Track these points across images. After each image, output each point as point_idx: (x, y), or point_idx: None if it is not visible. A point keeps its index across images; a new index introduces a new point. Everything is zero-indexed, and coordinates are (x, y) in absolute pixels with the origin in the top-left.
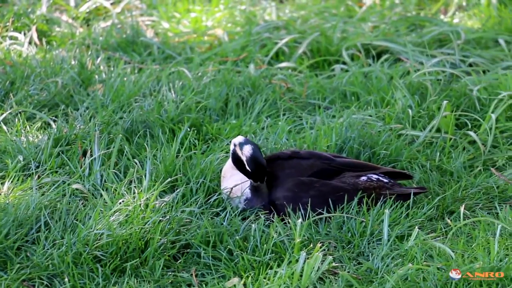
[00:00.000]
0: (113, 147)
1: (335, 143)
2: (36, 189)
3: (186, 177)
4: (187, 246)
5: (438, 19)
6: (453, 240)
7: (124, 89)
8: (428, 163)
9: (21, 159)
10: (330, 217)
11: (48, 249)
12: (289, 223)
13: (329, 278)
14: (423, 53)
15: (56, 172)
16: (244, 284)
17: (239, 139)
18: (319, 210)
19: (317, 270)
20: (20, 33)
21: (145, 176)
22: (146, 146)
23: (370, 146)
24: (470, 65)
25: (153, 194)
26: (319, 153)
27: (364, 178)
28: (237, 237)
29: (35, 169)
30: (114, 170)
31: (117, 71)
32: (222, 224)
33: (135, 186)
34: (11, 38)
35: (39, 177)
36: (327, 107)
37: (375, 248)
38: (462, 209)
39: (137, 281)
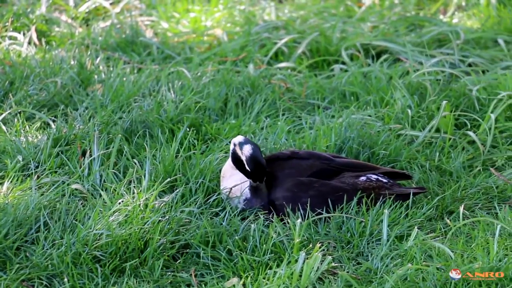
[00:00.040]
0: (113, 147)
1: (334, 143)
2: (35, 189)
3: (186, 177)
4: (186, 246)
5: (438, 19)
6: (453, 240)
7: (124, 89)
8: (428, 163)
9: (21, 159)
10: (329, 217)
11: (47, 249)
12: (288, 223)
13: (328, 278)
14: (422, 53)
15: (56, 172)
16: (244, 284)
17: (239, 138)
18: (319, 210)
19: (317, 270)
20: (19, 33)
21: (145, 176)
22: (145, 146)
23: (369, 146)
24: (470, 65)
25: (152, 194)
26: (318, 153)
27: (363, 178)
28: (236, 237)
29: (34, 169)
30: (113, 170)
31: (117, 71)
32: (222, 224)
33: (134, 186)
34: (10, 38)
35: (38, 177)
36: (326, 107)
37: (374, 248)
38: (461, 209)
39: (136, 281)
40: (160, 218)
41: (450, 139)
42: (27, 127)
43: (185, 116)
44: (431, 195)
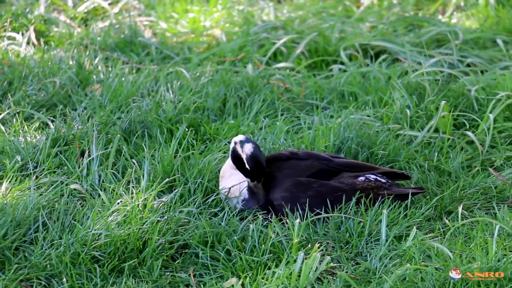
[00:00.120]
0: (111, 147)
1: (333, 143)
2: (34, 189)
3: (184, 177)
4: (185, 246)
5: (436, 19)
6: (451, 240)
7: (122, 89)
8: (426, 163)
9: (19, 159)
10: (328, 218)
11: (46, 249)
12: (287, 223)
13: (327, 278)
14: (421, 53)
15: (54, 172)
16: (242, 284)
17: (240, 137)
18: (317, 210)
19: (315, 270)
20: (18, 33)
21: (143, 176)
22: (144, 146)
23: (368, 146)
24: (468, 65)
25: (151, 194)
26: (317, 153)
27: (362, 178)
28: (235, 237)
29: (33, 169)
30: (112, 170)
31: (115, 71)
32: (220, 224)
33: (133, 186)
34: (9, 38)
35: (37, 177)
36: (325, 107)
37: (373, 248)
38: (460, 209)
39: (135, 281)
40: (158, 218)
41: (448, 139)
42: (25, 127)
43: (184, 116)
44: (429, 195)
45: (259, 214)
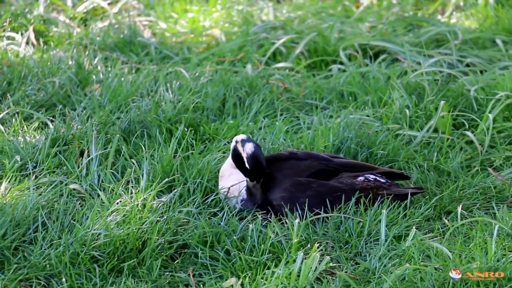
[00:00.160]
0: (111, 147)
1: (332, 143)
2: (33, 189)
3: (184, 177)
4: (184, 246)
5: (436, 19)
6: (451, 240)
7: (122, 89)
8: (426, 163)
9: (19, 159)
10: (327, 217)
11: (45, 249)
12: (286, 223)
13: (326, 278)
14: (420, 53)
15: (54, 172)
16: (242, 284)
17: (242, 136)
18: (317, 210)
19: (315, 270)
20: (17, 33)
21: (143, 176)
22: (143, 146)
23: (367, 146)
24: (468, 65)
25: (150, 194)
26: (317, 153)
27: (361, 178)
28: (234, 237)
29: (32, 169)
30: (111, 170)
31: (115, 71)
32: (220, 224)
33: (132, 186)
34: (8, 38)
35: (36, 177)
36: (325, 107)
37: (372, 248)
38: (459, 209)
39: (134, 281)
40: (158, 218)
41: (448, 139)
42: (25, 127)
43: (183, 116)
44: (429, 195)
45: (259, 214)
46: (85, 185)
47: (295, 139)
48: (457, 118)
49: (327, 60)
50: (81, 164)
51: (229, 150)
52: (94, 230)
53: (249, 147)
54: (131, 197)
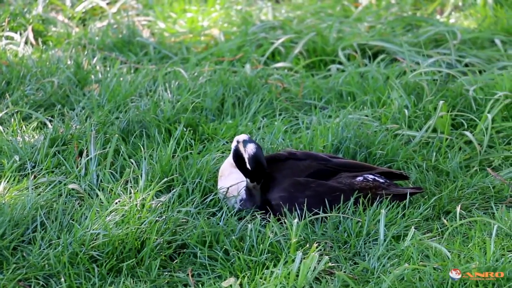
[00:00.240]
0: (109, 147)
1: (331, 143)
2: (32, 189)
3: (182, 177)
4: (183, 246)
5: (434, 19)
6: (449, 240)
7: (120, 89)
8: (424, 163)
9: (17, 159)
10: (326, 217)
11: (44, 249)
12: (285, 223)
13: (325, 278)
14: (419, 53)
15: (52, 172)
16: (240, 284)
17: (243, 136)
18: (316, 210)
19: (313, 270)
20: (16, 33)
21: (141, 176)
22: (142, 146)
23: (366, 146)
24: (466, 65)
25: (149, 194)
26: (315, 154)
27: (360, 178)
28: (233, 237)
29: (31, 169)
30: (110, 170)
31: (113, 71)
32: (218, 224)
33: (131, 186)
34: (7, 38)
35: (35, 177)
36: (323, 107)
37: (371, 248)
38: (458, 209)
39: (133, 281)
40: (157, 218)
41: (447, 139)
42: (23, 127)
43: (182, 116)
44: (428, 195)
45: (257, 214)
46: (84, 185)
47: (294, 139)
48: (456, 118)
49: (326, 60)
50: (80, 164)
51: (229, 150)
52: (93, 230)
53: (251, 148)
54: (130, 197)
